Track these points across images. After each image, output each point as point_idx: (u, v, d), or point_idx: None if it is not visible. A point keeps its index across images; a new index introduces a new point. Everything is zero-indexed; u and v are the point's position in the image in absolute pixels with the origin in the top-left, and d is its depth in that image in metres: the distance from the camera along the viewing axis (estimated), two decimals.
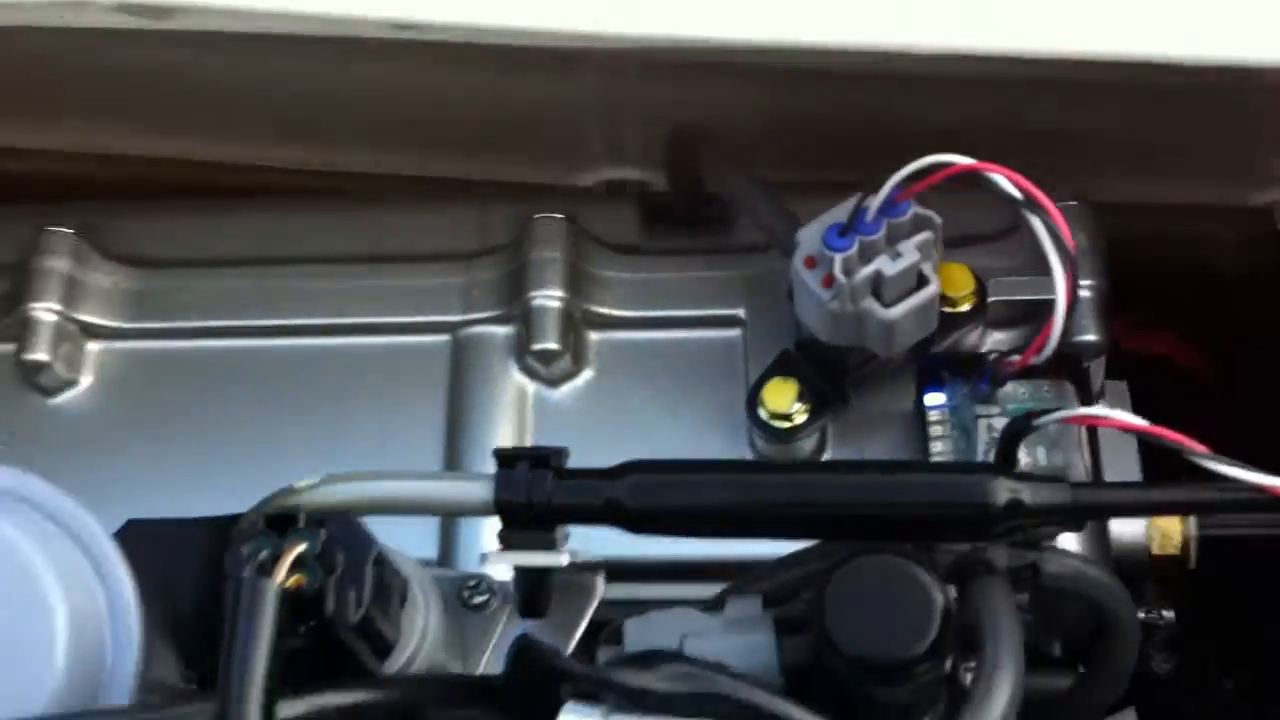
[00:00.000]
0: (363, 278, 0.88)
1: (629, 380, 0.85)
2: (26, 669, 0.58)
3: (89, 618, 0.60)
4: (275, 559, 0.56)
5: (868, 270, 0.67)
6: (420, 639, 0.64)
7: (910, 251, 0.67)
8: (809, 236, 0.70)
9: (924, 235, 0.68)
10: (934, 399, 0.76)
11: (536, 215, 0.87)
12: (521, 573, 0.65)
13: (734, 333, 0.85)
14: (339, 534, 0.58)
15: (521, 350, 0.84)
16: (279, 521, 0.58)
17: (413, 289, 0.87)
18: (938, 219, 0.69)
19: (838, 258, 0.67)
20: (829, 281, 0.68)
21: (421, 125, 1.00)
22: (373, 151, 1.03)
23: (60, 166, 1.07)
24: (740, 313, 0.85)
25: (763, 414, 0.77)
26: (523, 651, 0.60)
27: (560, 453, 0.65)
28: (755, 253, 0.86)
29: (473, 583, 0.70)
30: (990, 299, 0.79)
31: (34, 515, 0.61)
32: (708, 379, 0.84)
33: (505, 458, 0.64)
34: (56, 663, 0.58)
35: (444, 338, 0.86)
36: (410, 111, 0.99)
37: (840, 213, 0.69)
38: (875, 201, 0.66)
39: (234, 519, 0.66)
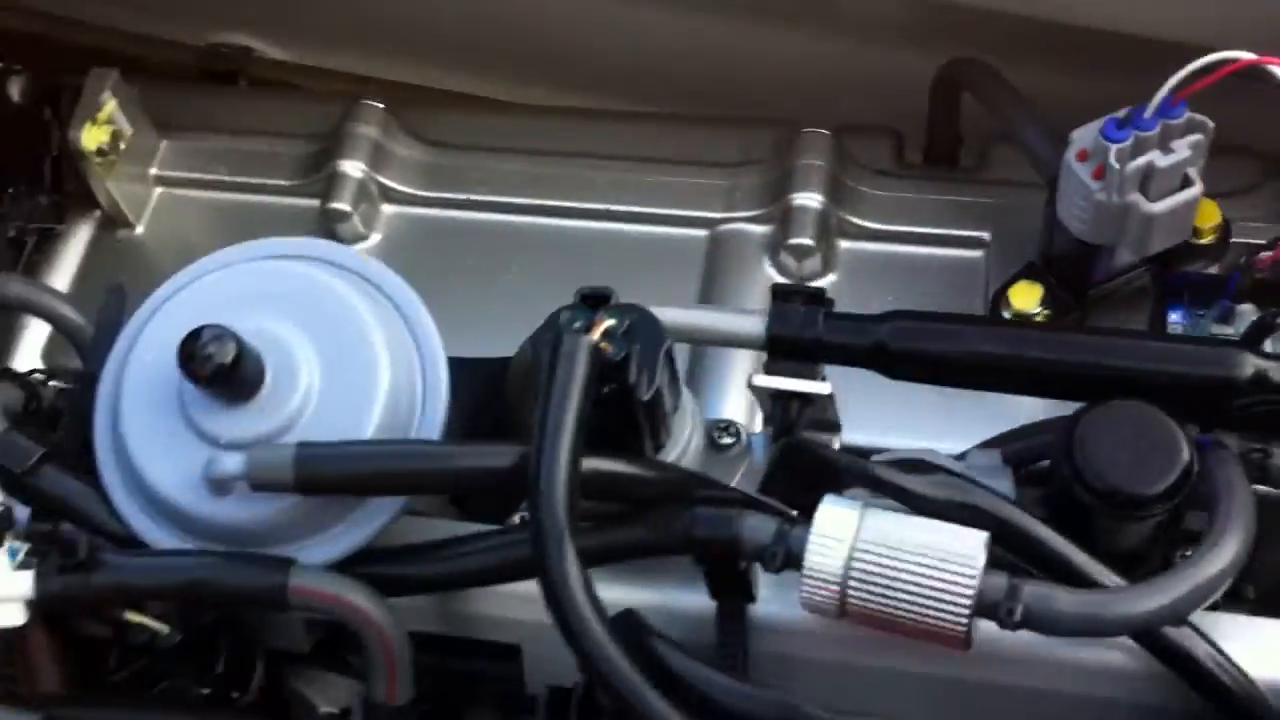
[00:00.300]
0: (634, 172, 0.95)
1: (873, 287, 0.90)
2: (349, 415, 0.66)
3: (405, 380, 0.68)
4: (588, 328, 0.63)
5: (1141, 161, 0.72)
6: (684, 448, 0.70)
7: (1182, 149, 0.71)
8: (1083, 134, 0.74)
9: (1196, 137, 0.72)
10: (1174, 316, 0.79)
11: (804, 130, 0.93)
12: (782, 401, 0.71)
13: (977, 254, 0.90)
14: (639, 326, 0.65)
15: (776, 247, 0.90)
16: (592, 302, 0.65)
17: (679, 186, 0.94)
18: (1210, 123, 0.72)
19: (1113, 148, 0.71)
20: (1100, 173, 0.73)
21: (670, 73, 1.08)
22: (632, 96, 1.11)
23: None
24: (985, 235, 0.90)
25: (1006, 314, 0.82)
26: (791, 445, 0.65)
27: (830, 298, 0.70)
28: (1004, 185, 0.91)
29: (723, 425, 0.76)
30: (1233, 239, 0.83)
31: (370, 289, 0.70)
32: (948, 293, 0.89)
33: (781, 293, 0.70)
34: (375, 410, 0.66)
35: (703, 232, 0.93)
36: (664, 60, 1.06)
37: (1117, 115, 0.73)
38: (1155, 98, 0.70)
39: (504, 360, 0.73)
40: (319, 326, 0.67)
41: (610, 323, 0.64)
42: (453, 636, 0.70)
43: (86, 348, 0.79)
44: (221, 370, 0.62)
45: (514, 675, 0.71)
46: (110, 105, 0.92)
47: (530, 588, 0.67)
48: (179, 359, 0.62)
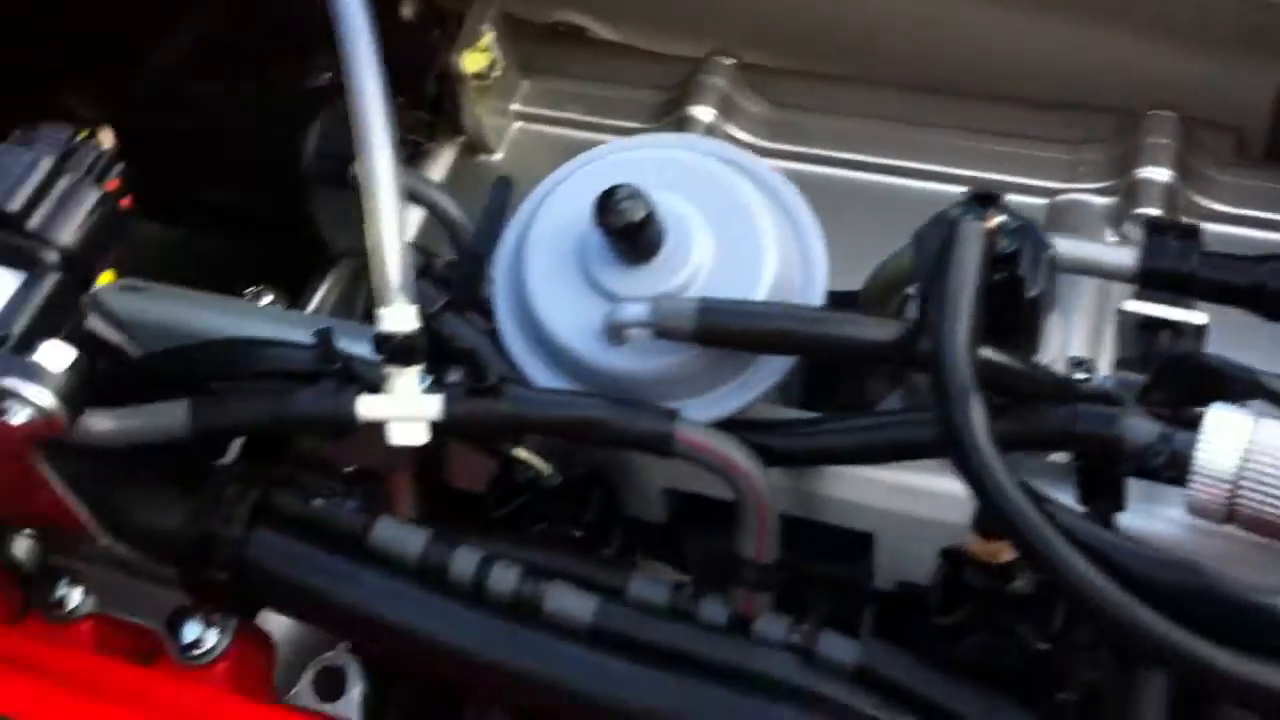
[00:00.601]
0: (974, 140, 0.97)
1: None
2: (736, 293, 0.69)
3: (787, 272, 0.71)
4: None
5: None
6: (1050, 363, 0.71)
7: None
8: None
9: None
10: None
11: (1150, 111, 0.94)
12: (1150, 332, 0.71)
13: None
14: (1026, 229, 0.66)
15: (1120, 217, 0.91)
16: (983, 201, 0.67)
17: (1020, 156, 0.96)
18: None
19: None
20: None
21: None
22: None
23: None
24: None
25: None
26: (1176, 356, 0.66)
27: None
28: None
29: (1079, 360, 0.76)
30: None
31: (756, 184, 0.73)
32: None
33: (1155, 226, 0.71)
34: (759, 294, 0.69)
35: (1042, 201, 0.94)
36: (998, 56, 1.08)
37: None
38: None
39: (849, 292, 0.76)
40: (713, 210, 0.70)
41: (1002, 218, 0.65)
42: (804, 519, 0.72)
43: (460, 235, 0.85)
44: (631, 226, 0.66)
45: (861, 567, 0.72)
46: (489, 35, 0.99)
47: (893, 474, 0.70)
48: (596, 211, 0.66)
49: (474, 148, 1.03)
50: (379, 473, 0.79)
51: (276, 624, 0.83)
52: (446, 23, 1.00)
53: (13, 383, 0.61)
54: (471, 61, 0.97)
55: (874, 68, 1.14)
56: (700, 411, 0.68)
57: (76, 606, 0.80)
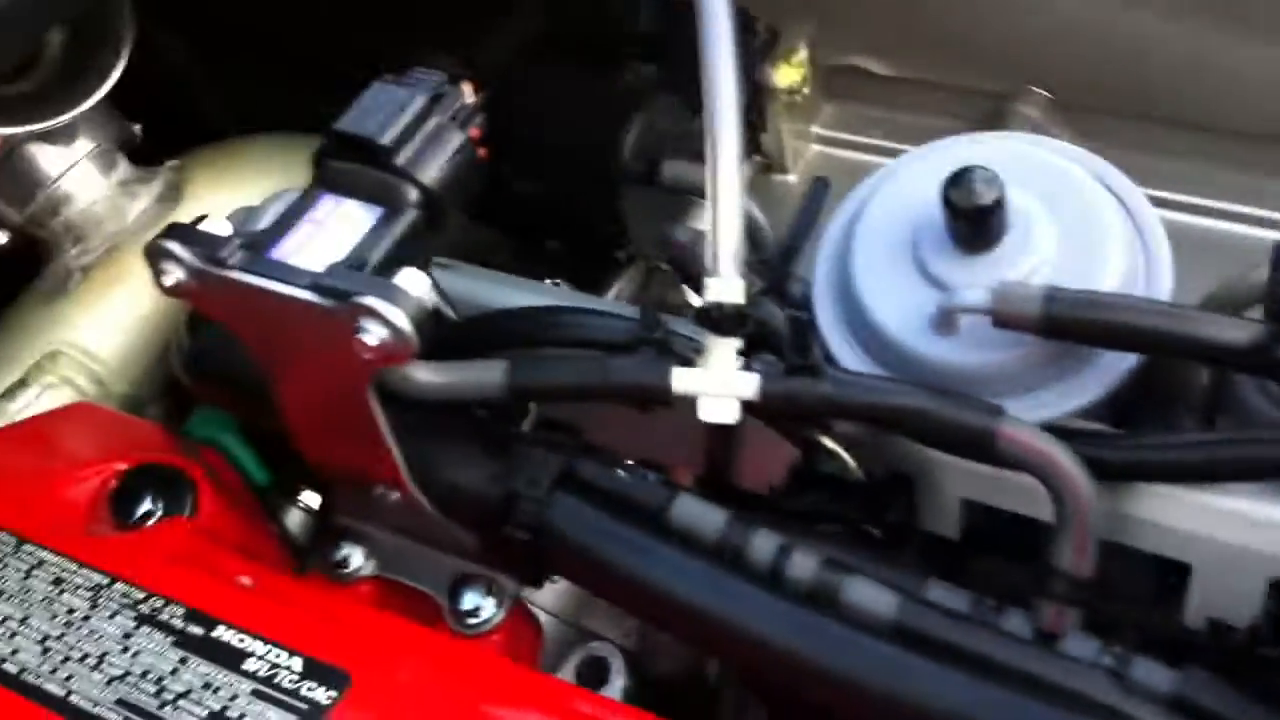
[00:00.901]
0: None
1: None
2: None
3: (1131, 275, 0.69)
4: None
5: None
6: None
7: None
8: None
9: None
10: None
11: None
12: None
13: None
14: None
15: None
16: None
17: None
18: None
19: None
20: None
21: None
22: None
23: None
24: None
25: None
26: None
27: None
28: None
29: None
30: None
31: (1099, 183, 0.71)
32: None
33: None
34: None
35: None
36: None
37: None
38: None
39: None
40: (1058, 206, 0.69)
41: None
42: (1110, 543, 0.68)
43: (761, 236, 0.84)
44: (980, 210, 0.65)
45: (1172, 600, 0.68)
46: (804, 52, 0.99)
47: (1221, 499, 0.65)
48: (945, 189, 0.65)
49: (770, 166, 1.03)
50: (661, 466, 0.78)
51: (537, 614, 0.83)
52: (759, 34, 1.01)
53: (373, 301, 0.62)
54: (784, 75, 0.97)
55: (1178, 109, 1.10)
56: (1023, 413, 0.66)
57: (358, 568, 0.81)
